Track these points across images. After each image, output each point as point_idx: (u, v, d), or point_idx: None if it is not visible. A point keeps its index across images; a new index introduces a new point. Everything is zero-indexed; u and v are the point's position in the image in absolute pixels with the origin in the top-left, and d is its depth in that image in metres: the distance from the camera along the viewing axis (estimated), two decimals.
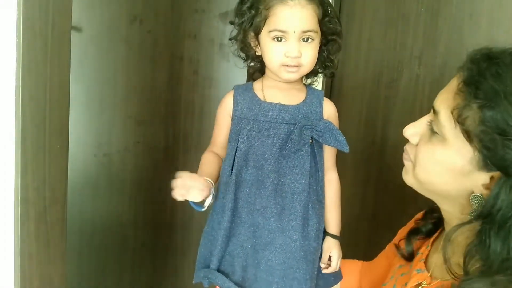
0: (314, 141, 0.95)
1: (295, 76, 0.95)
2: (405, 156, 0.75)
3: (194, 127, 1.73)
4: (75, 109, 0.94)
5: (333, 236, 1.00)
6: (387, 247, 0.97)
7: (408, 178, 0.74)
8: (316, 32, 0.93)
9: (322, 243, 0.99)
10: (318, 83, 1.09)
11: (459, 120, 0.62)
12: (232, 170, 0.95)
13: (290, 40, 0.91)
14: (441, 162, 0.66)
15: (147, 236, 1.81)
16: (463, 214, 0.67)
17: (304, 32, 0.91)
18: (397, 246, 0.88)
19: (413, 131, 0.72)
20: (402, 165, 0.76)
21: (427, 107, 0.72)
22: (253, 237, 0.94)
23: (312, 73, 1.04)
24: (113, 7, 1.57)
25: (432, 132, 0.68)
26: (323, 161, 0.99)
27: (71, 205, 0.97)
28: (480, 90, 0.60)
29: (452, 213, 0.72)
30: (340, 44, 1.00)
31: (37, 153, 0.83)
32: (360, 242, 1.51)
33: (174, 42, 1.69)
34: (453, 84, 0.66)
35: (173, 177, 0.87)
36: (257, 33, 0.95)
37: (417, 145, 0.71)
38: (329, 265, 0.99)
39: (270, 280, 0.93)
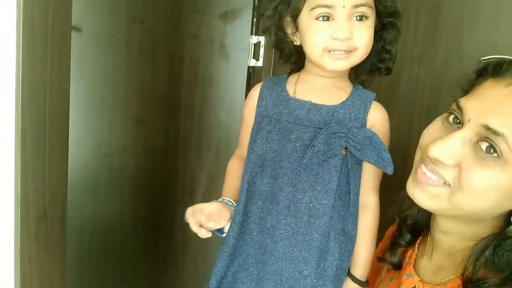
0: (349, 155, 0.76)
1: (344, 64, 0.75)
2: (428, 181, 0.63)
3: (194, 127, 1.73)
4: (75, 109, 0.94)
5: (354, 279, 0.80)
6: (379, 246, 0.97)
7: (439, 203, 0.63)
8: (371, 8, 0.74)
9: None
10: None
11: None
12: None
13: (338, 19, 0.72)
14: (502, 188, 0.58)
15: (147, 236, 1.81)
16: (481, 231, 0.64)
17: (357, 7, 0.72)
18: (381, 258, 0.82)
19: (449, 152, 0.60)
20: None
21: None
22: (261, 262, 0.78)
23: (364, 71, 0.83)
24: (113, 7, 1.57)
25: (482, 152, 0.59)
26: (360, 181, 0.78)
27: (71, 205, 0.97)
28: None
29: (458, 231, 0.68)
30: (399, 29, 0.80)
31: (37, 153, 0.84)
32: None
33: (174, 42, 1.69)
34: (505, 99, 0.58)
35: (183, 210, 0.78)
36: (295, 16, 0.76)
37: (454, 167, 0.61)
38: None
39: None
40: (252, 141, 0.82)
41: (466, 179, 0.59)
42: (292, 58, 0.85)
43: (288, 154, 0.76)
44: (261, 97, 0.83)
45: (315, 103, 0.78)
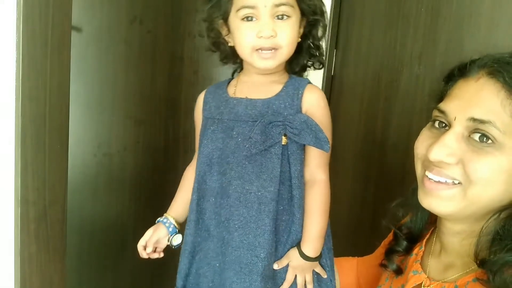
0: (289, 141, 0.80)
1: (272, 63, 0.80)
2: (438, 186, 0.65)
3: (194, 127, 1.73)
4: (75, 109, 0.94)
5: (300, 252, 0.82)
6: (381, 246, 0.96)
7: (456, 203, 0.64)
8: (292, 7, 0.79)
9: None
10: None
11: None
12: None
13: (261, 18, 0.77)
14: (506, 169, 0.61)
15: None
16: (485, 219, 0.65)
17: (277, 6, 0.77)
18: (383, 265, 0.83)
19: (448, 151, 0.63)
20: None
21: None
22: (221, 254, 0.83)
23: (298, 66, 0.89)
24: (113, 7, 1.57)
25: (477, 143, 0.62)
26: (301, 164, 0.82)
27: (71, 205, 0.97)
28: None
29: (469, 230, 0.68)
30: (325, 26, 0.85)
31: (37, 153, 0.84)
32: (360, 242, 1.51)
33: (174, 42, 1.69)
34: (487, 91, 0.62)
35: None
36: (225, 19, 0.82)
37: (457, 164, 0.63)
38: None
39: None
40: (200, 143, 0.87)
41: (472, 171, 0.62)
42: (231, 59, 0.90)
43: (232, 150, 0.81)
44: (205, 102, 0.89)
45: (251, 98, 0.83)
